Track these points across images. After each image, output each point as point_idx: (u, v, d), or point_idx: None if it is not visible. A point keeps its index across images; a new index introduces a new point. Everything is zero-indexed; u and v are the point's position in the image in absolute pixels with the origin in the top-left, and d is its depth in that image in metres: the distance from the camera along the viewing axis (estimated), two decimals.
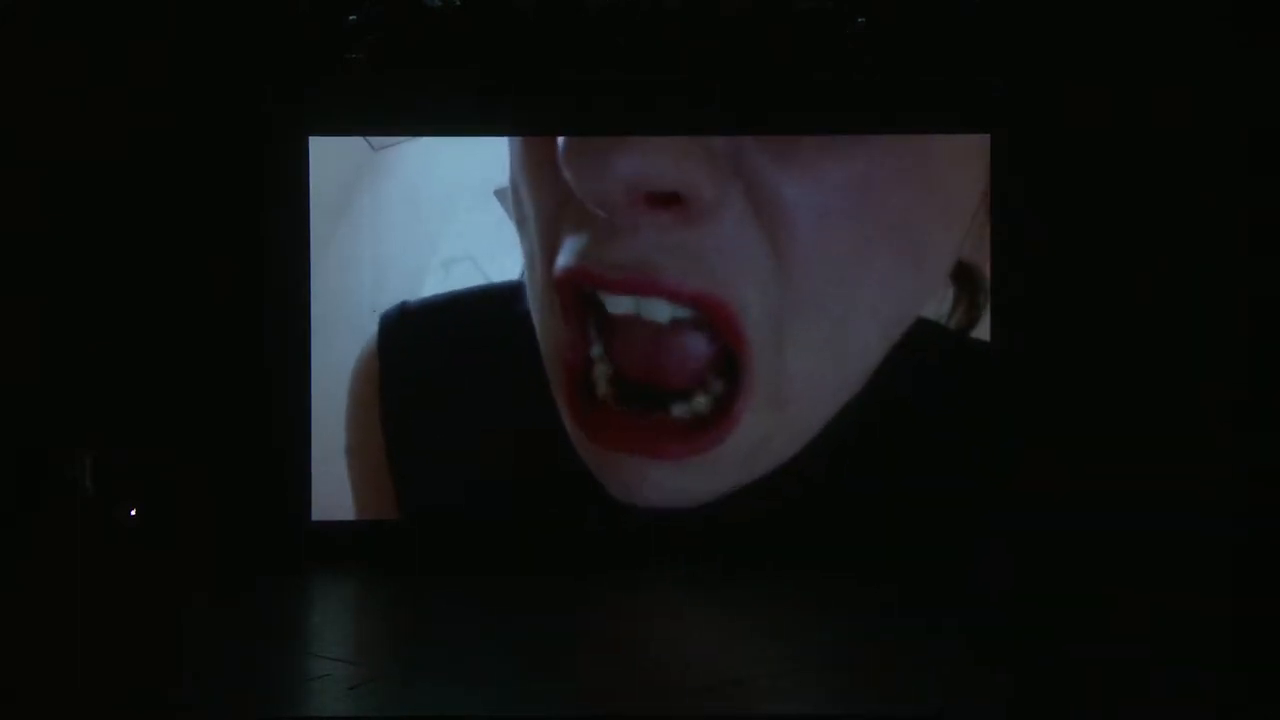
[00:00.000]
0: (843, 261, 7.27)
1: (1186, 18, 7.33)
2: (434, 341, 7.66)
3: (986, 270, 7.57)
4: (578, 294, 7.29)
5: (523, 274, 7.56)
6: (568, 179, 7.23)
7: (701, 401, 7.16)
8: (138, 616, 6.50)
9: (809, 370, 7.27)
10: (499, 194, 7.55)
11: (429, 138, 8.00)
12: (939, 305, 7.56)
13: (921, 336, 7.56)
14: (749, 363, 7.13)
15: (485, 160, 7.95)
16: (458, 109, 7.93)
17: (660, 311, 7.14)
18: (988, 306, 7.80)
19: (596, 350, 7.21)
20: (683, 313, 7.17)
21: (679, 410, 7.16)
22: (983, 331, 7.86)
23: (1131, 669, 5.67)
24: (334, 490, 7.99)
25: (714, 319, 7.11)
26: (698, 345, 7.12)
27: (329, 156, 7.99)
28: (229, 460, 7.76)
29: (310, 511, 7.97)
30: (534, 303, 7.49)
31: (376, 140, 7.98)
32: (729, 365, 7.22)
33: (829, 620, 6.57)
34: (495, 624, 6.49)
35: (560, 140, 7.40)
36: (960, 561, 7.60)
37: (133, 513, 7.06)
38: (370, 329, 7.99)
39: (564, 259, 7.22)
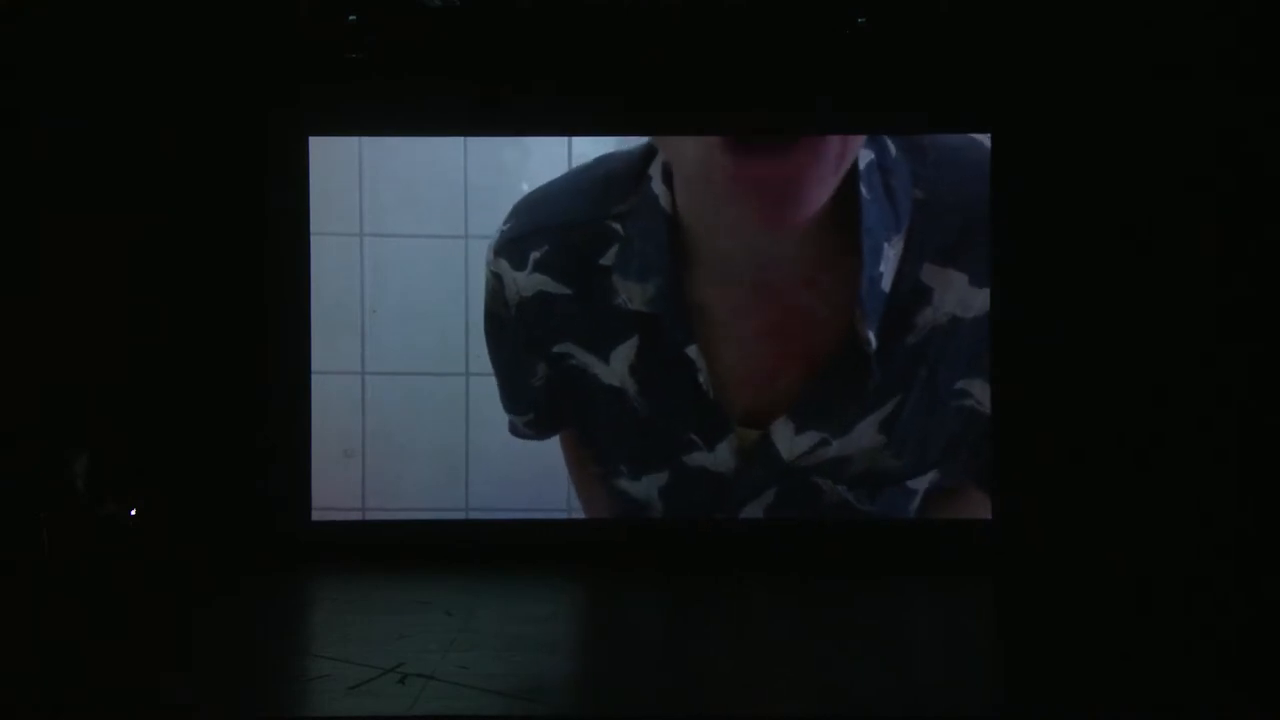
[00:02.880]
0: None
1: (1186, 18, 7.33)
2: None
3: None
4: None
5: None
6: None
7: None
8: (137, 616, 6.50)
9: None
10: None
11: (429, 137, 8.01)
12: None
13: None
14: None
15: (485, 160, 7.98)
16: (457, 109, 7.94)
17: None
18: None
19: None
20: None
21: None
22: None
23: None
24: (334, 490, 8.00)
25: None
26: None
27: (329, 156, 8.00)
28: (228, 461, 7.76)
29: (310, 511, 7.98)
30: None
31: (376, 139, 8.00)
32: None
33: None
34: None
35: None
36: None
37: (132, 513, 7.05)
38: (370, 329, 8.01)
39: None
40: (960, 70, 7.76)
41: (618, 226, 7.80)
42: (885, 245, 7.71)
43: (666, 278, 7.76)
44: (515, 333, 7.92)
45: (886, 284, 7.73)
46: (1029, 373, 7.80)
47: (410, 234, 8.02)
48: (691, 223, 7.78)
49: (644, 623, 6.74)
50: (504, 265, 7.83)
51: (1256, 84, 7.18)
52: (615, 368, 7.79)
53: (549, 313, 7.83)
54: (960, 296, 7.81)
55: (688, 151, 7.78)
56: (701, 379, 7.76)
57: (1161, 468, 7.42)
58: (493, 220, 7.96)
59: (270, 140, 7.92)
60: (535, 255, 7.78)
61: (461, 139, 8.00)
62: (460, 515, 8.02)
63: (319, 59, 7.61)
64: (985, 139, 7.89)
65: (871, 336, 7.69)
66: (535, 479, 7.99)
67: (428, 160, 8.01)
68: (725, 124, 7.77)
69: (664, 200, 7.76)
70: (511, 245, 7.82)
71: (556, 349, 7.84)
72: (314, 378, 8.00)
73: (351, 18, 7.35)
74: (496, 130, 7.97)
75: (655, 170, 7.80)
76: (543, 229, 7.80)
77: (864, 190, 7.69)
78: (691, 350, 7.75)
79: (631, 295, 7.78)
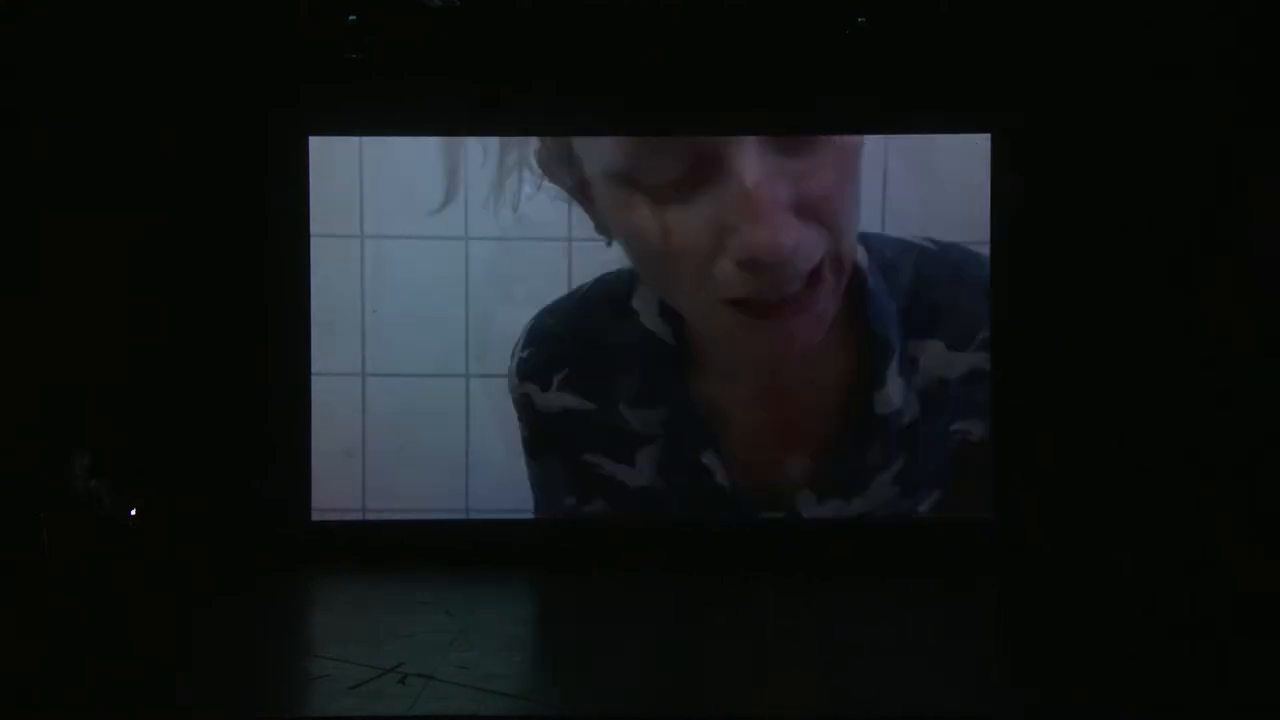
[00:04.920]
0: None
1: (1186, 18, 7.33)
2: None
3: None
4: None
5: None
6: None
7: None
8: (137, 616, 6.50)
9: None
10: None
11: (429, 137, 8.01)
12: None
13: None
14: None
15: (485, 160, 7.98)
16: (457, 109, 7.94)
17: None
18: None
19: None
20: None
21: None
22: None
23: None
24: (334, 490, 8.00)
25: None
26: None
27: (329, 156, 8.00)
28: (229, 460, 7.76)
29: (310, 511, 7.98)
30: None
31: (376, 139, 8.00)
32: None
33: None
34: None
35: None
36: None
37: (132, 513, 7.05)
38: (370, 330, 8.02)
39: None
40: (960, 70, 7.76)
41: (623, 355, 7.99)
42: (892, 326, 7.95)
43: (675, 400, 7.96)
44: (548, 444, 8.04)
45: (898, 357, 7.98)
46: (1029, 373, 7.81)
47: (410, 235, 8.01)
48: (701, 341, 7.94)
49: (646, 623, 6.73)
50: (531, 388, 8.02)
51: (1256, 84, 7.19)
52: (643, 470, 8.01)
53: (577, 425, 8.00)
54: (943, 360, 7.99)
55: (696, 312, 7.89)
56: (719, 479, 7.98)
57: (1163, 468, 7.42)
58: (493, 220, 7.97)
59: (270, 140, 7.92)
60: (559, 377, 8.00)
61: (461, 139, 8.00)
62: (460, 515, 8.02)
63: (319, 59, 7.61)
64: (930, 243, 7.95)
65: (912, 404, 7.95)
66: None
67: (428, 160, 8.01)
68: (725, 124, 7.76)
69: (664, 334, 7.92)
70: (535, 371, 8.02)
71: (586, 458, 8.02)
72: (314, 379, 7.99)
73: (351, 18, 7.35)
74: (496, 130, 7.96)
75: (643, 304, 7.93)
76: (562, 355, 8.01)
77: (870, 280, 7.89)
78: (708, 456, 7.97)
79: (645, 422, 7.99)
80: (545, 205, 7.98)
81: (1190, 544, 7.20)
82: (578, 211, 7.96)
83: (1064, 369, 7.73)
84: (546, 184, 7.95)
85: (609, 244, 7.91)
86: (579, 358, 7.99)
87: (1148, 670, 5.70)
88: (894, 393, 7.91)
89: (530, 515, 7.99)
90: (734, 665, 5.98)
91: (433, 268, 8.03)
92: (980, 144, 7.95)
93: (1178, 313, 7.48)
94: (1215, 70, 7.30)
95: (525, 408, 8.01)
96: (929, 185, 7.94)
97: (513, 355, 8.00)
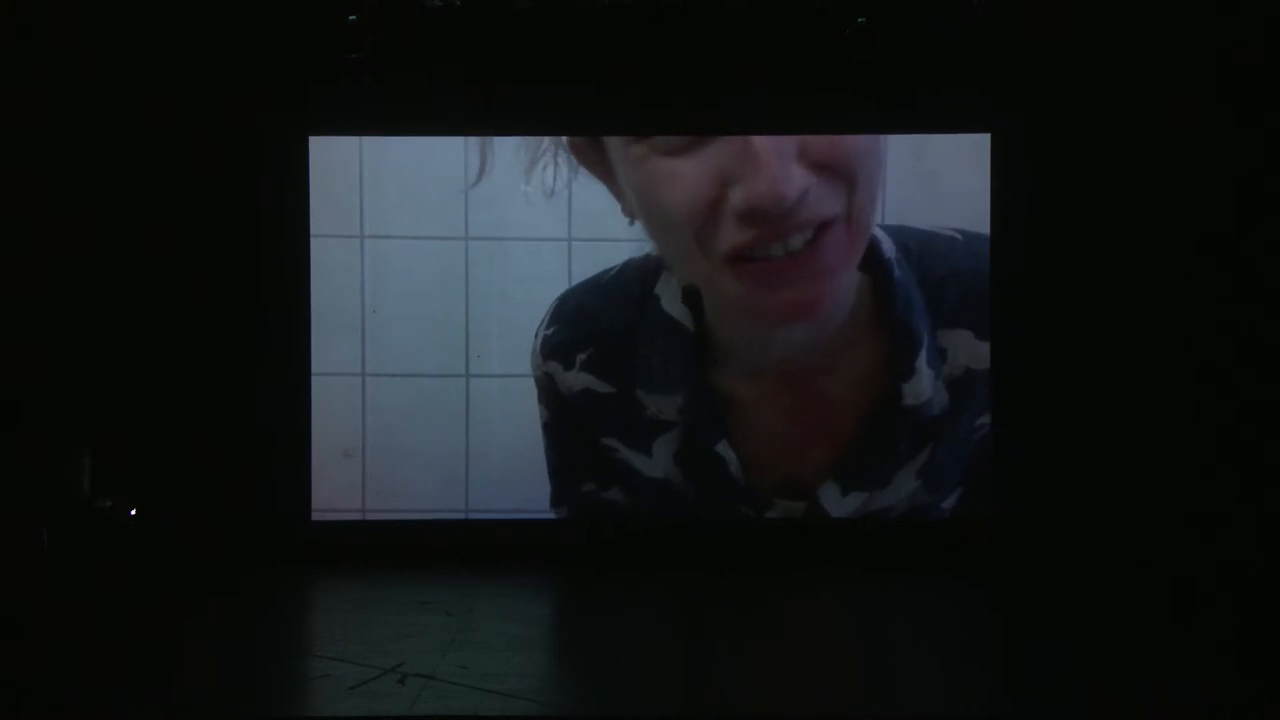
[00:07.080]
0: None
1: (1187, 19, 7.34)
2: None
3: None
4: None
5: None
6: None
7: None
8: (137, 616, 6.50)
9: None
10: None
11: (429, 137, 8.01)
12: None
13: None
14: None
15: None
16: (457, 109, 7.94)
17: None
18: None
19: None
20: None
21: None
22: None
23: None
24: (334, 490, 8.00)
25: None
26: None
27: (329, 156, 8.00)
28: (229, 460, 7.76)
29: (310, 511, 7.98)
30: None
31: (376, 139, 8.00)
32: None
33: None
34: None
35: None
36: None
37: (132, 512, 7.05)
38: (370, 331, 8.02)
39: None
40: (960, 70, 7.76)
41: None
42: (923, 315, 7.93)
43: (692, 387, 7.94)
44: (568, 425, 8.03)
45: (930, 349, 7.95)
46: (1030, 371, 7.81)
47: (410, 235, 8.02)
48: (719, 334, 7.92)
49: (646, 622, 6.73)
50: (554, 366, 8.02)
51: (1257, 86, 7.19)
52: (658, 460, 8.00)
53: (596, 407, 8.00)
54: (970, 350, 7.96)
55: (703, 278, 7.85)
56: (732, 469, 7.93)
57: (1162, 468, 7.43)
58: (493, 220, 7.98)
59: (270, 140, 7.91)
60: (581, 357, 8.02)
61: (461, 139, 8.00)
62: (460, 515, 8.02)
63: (319, 59, 7.60)
64: (957, 234, 7.93)
65: (942, 395, 7.92)
66: (535, 479, 7.99)
67: (428, 160, 8.01)
68: (725, 122, 7.76)
69: (685, 319, 7.90)
70: (559, 349, 8.02)
71: (604, 441, 8.02)
72: (314, 379, 7.99)
73: (351, 18, 7.35)
74: (496, 130, 7.96)
75: (666, 291, 7.91)
76: (586, 335, 8.02)
77: (896, 271, 7.85)
78: (721, 446, 7.94)
79: (661, 407, 7.96)
80: (548, 204, 7.98)
81: (1192, 543, 7.21)
82: (578, 211, 7.97)
83: (1065, 368, 7.72)
84: (565, 172, 7.97)
85: (632, 223, 7.92)
86: (602, 339, 7.99)
87: (1148, 670, 5.70)
88: (924, 383, 7.86)
89: (530, 515, 7.99)
90: (732, 665, 5.97)
91: (433, 268, 8.03)
92: (980, 144, 7.96)
93: (1178, 312, 7.48)
94: (1216, 72, 7.30)
95: (546, 388, 8.02)
96: (929, 185, 7.95)
97: (536, 334, 8.01)
